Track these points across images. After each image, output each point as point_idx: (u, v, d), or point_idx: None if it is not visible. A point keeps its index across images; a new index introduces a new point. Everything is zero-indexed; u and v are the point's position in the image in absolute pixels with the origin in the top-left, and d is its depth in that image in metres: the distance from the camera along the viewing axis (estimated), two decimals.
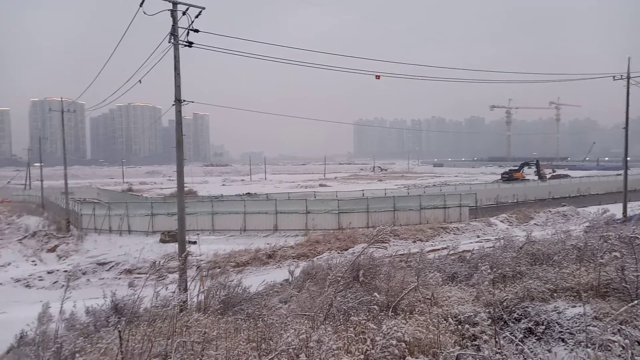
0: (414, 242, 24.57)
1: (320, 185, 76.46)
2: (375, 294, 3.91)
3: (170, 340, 4.20)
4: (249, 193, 53.06)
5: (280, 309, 7.20)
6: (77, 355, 4.19)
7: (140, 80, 13.99)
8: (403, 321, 3.66)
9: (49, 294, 18.62)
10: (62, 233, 31.34)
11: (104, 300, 7.97)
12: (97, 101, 28.14)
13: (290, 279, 12.22)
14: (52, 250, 27.32)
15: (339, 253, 22.02)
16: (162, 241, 26.72)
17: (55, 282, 20.51)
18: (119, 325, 3.80)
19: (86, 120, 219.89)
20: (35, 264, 24.40)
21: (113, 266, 22.28)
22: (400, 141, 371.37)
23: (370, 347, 2.69)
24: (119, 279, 20.75)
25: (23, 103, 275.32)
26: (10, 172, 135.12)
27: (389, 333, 2.82)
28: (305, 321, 4.09)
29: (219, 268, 18.21)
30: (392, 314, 3.88)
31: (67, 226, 32.67)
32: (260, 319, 4.83)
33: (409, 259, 10.25)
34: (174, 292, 8.11)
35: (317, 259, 19.88)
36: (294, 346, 2.98)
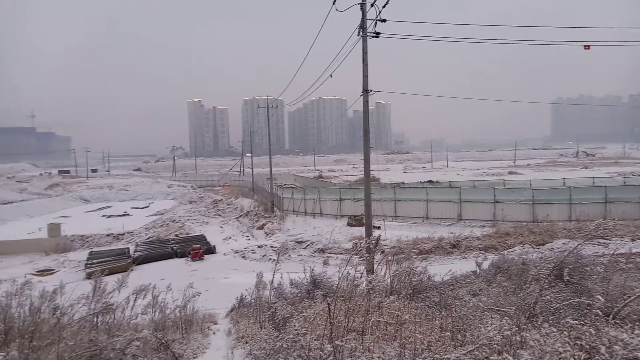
0: (633, 240, 20.42)
1: (510, 172, 70.02)
2: (598, 296, 3.40)
3: (364, 319, 4.47)
4: (430, 180, 52.18)
5: (469, 302, 6.94)
6: (287, 320, 4.85)
7: (331, 75, 15.07)
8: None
9: (260, 265, 21.93)
10: (268, 213, 36.36)
11: (304, 275, 8.94)
12: (293, 97, 31.45)
13: (478, 271, 11.61)
14: (261, 228, 31.94)
15: (533, 248, 19.87)
16: (349, 224, 28.47)
17: (264, 255, 23.98)
18: (327, 299, 4.22)
19: (285, 114, 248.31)
20: (249, 239, 28.95)
21: (308, 245, 24.79)
22: (611, 121, 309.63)
23: (607, 357, 2.35)
24: (314, 256, 22.97)
25: (237, 102, 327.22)
26: (229, 161, 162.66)
27: (631, 344, 2.42)
28: (505, 318, 3.83)
29: (403, 254, 18.54)
30: (613, 321, 3.33)
31: (271, 208, 37.75)
32: (453, 309, 4.74)
33: (629, 260, 8.58)
34: (362, 273, 8.58)
35: (508, 252, 18.34)
36: (497, 342, 2.83)
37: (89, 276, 19.47)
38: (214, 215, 39.75)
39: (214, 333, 7.64)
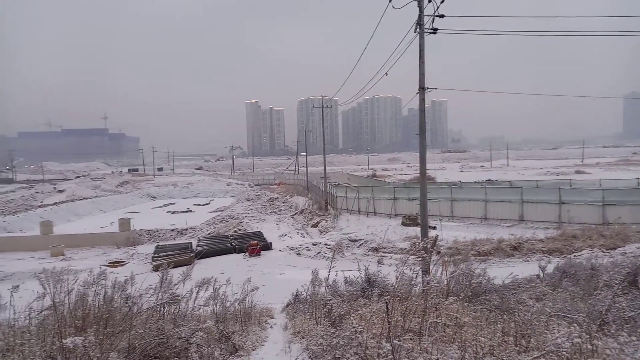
0: None
1: (577, 172, 65.79)
2: None
3: (421, 319, 4.42)
4: (489, 180, 50.33)
5: (532, 306, 6.62)
6: (343, 317, 4.89)
7: (386, 73, 14.91)
8: None
9: (314, 262, 22.19)
10: (322, 212, 36.67)
11: (359, 273, 8.94)
12: (347, 97, 31.53)
13: (541, 275, 11.04)
14: (315, 225, 32.28)
15: (603, 252, 18.54)
16: (404, 224, 28.05)
17: (318, 253, 24.23)
18: (385, 298, 4.22)
19: (339, 114, 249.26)
20: (304, 237, 29.37)
21: (362, 243, 24.73)
22: None
23: None
24: (368, 255, 22.88)
25: (292, 102, 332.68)
26: (284, 160, 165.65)
27: None
28: (574, 325, 3.63)
29: (460, 255, 17.97)
30: None
31: (325, 206, 38.03)
32: (516, 313, 4.55)
33: None
34: (417, 273, 8.45)
35: (575, 256, 17.27)
36: (566, 349, 2.69)
37: (155, 268, 20.70)
38: (270, 212, 40.69)
39: (271, 327, 7.86)
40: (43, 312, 5.55)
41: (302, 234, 30.46)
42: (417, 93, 12.75)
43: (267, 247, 26.24)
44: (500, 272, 11.09)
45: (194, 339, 4.90)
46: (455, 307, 4.96)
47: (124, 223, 32.28)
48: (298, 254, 24.80)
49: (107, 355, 4.52)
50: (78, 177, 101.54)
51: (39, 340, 4.94)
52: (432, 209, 26.69)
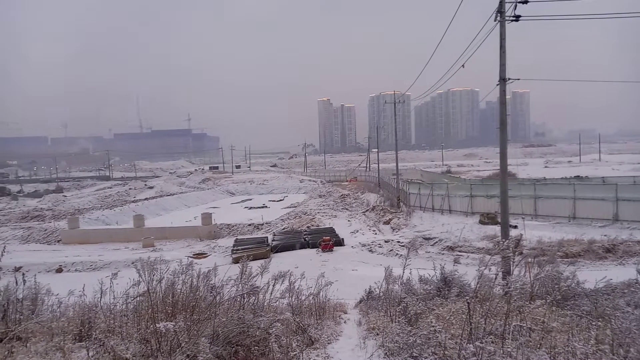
0: None
1: None
2: None
3: (504, 322, 4.22)
4: (578, 176, 46.50)
5: (631, 314, 6.02)
6: (419, 316, 4.81)
7: (463, 65, 14.32)
8: None
9: (386, 259, 21.98)
10: (394, 209, 36.18)
11: (434, 272, 8.72)
12: (420, 91, 30.69)
13: None
14: (387, 222, 31.94)
15: None
16: (481, 222, 26.80)
17: (390, 250, 23.96)
18: (467, 298, 4.10)
19: (411, 109, 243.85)
20: (376, 233, 29.20)
21: (437, 242, 24.04)
22: None
23: None
24: (442, 254, 22.19)
25: (363, 99, 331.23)
26: (355, 157, 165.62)
27: None
28: None
29: (545, 256, 16.79)
30: None
31: (397, 203, 37.47)
32: (611, 320, 4.18)
33: None
34: (497, 274, 8.06)
35: None
36: None
37: (235, 261, 21.79)
38: (342, 209, 40.95)
39: (344, 322, 7.93)
40: (137, 298, 6.09)
41: (373, 230, 30.30)
42: (497, 85, 12.09)
43: (340, 243, 26.46)
44: (591, 275, 10.22)
45: (273, 329, 5.10)
46: (541, 310, 4.67)
47: (206, 217, 34.30)
48: (370, 250, 24.71)
49: (194, 340, 4.86)
50: (170, 173, 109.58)
51: (134, 324, 5.44)
52: (513, 207, 25.14)
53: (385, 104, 48.92)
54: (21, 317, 5.73)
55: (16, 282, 5.91)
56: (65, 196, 64.58)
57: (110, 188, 74.42)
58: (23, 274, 6.14)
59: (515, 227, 23.06)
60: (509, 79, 11.85)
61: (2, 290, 5.62)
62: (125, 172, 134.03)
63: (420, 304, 5.38)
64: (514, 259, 5.93)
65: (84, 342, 4.93)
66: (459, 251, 22.23)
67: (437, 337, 3.34)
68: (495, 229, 23.23)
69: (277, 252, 24.64)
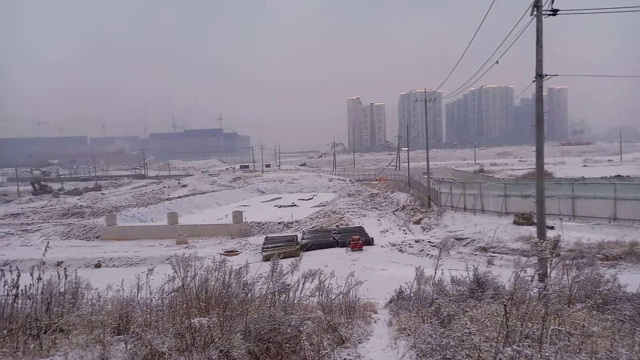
0: None
1: None
2: None
3: (541, 326, 4.09)
4: (619, 175, 44.60)
5: None
6: (452, 317, 4.72)
7: (497, 62, 13.97)
8: None
9: (417, 259, 21.70)
10: (425, 208, 35.68)
11: (467, 273, 8.54)
12: (452, 88, 30.10)
13: None
14: (417, 222, 31.53)
15: None
16: (516, 223, 26.08)
17: (421, 250, 23.64)
18: (503, 300, 4.00)
19: (442, 107, 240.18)
20: (406, 233, 28.87)
21: (469, 242, 23.55)
22: None
23: None
24: (475, 255, 21.72)
25: (393, 97, 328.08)
26: (385, 155, 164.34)
27: None
28: None
29: (584, 258, 16.17)
30: None
31: (428, 202, 36.93)
32: None
33: None
34: (533, 276, 7.83)
35: None
36: None
37: (265, 258, 22.03)
38: (371, 208, 40.73)
39: (375, 322, 7.88)
40: (172, 294, 6.26)
41: (404, 230, 29.98)
42: (533, 81, 11.71)
43: (369, 242, 26.32)
44: (633, 279, 9.79)
45: (304, 327, 5.12)
46: (580, 314, 4.50)
47: (237, 215, 34.85)
48: (400, 250, 24.46)
49: (227, 335, 4.95)
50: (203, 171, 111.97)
51: (170, 319, 5.59)
52: (549, 207, 24.32)
53: (416, 102, 48.27)
54: (63, 310, 6.00)
55: (58, 277, 6.18)
56: (104, 194, 67.08)
57: (146, 186, 76.73)
58: (65, 269, 6.41)
59: (552, 227, 22.33)
60: (546, 75, 11.45)
61: (46, 284, 5.89)
62: (160, 170, 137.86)
63: (453, 305, 5.29)
64: (551, 260, 5.73)
65: (122, 335, 5.11)
66: (492, 252, 21.70)
67: (472, 339, 3.27)
68: (531, 230, 22.55)
69: (306, 250, 24.75)
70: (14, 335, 4.87)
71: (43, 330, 5.14)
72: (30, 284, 5.60)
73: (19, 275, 5.48)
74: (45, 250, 6.48)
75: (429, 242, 24.74)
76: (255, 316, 5.53)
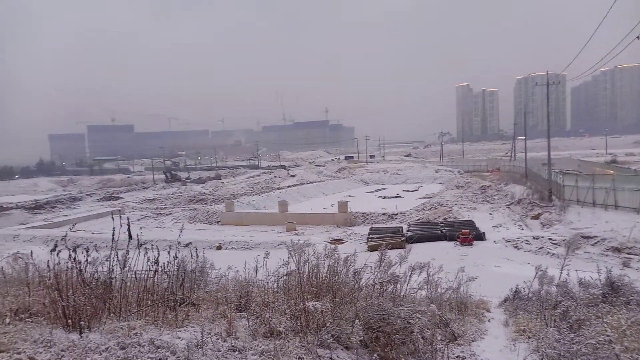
0: None
1: None
2: None
3: None
4: None
5: None
6: (583, 323, 4.28)
7: (638, 36, 12.12)
8: None
9: (535, 257, 19.97)
10: (544, 202, 32.61)
11: (598, 275, 7.67)
12: (578, 70, 26.82)
13: None
14: (536, 217, 28.97)
15: None
16: None
17: (540, 248, 21.69)
18: None
19: (567, 91, 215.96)
20: (522, 229, 26.72)
21: (598, 241, 20.99)
22: None
23: None
24: (606, 255, 19.34)
25: (508, 83, 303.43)
26: (498, 145, 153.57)
27: None
28: None
29: None
30: None
31: (549, 196, 33.70)
32: None
33: None
34: None
35: None
36: None
37: (370, 249, 22.18)
38: (482, 201, 38.44)
39: (488, 320, 7.49)
40: (285, 277, 6.63)
41: (519, 225, 27.79)
42: None
43: (480, 237, 24.92)
44: None
45: (414, 320, 5.08)
46: None
47: (343, 205, 35.53)
48: (516, 247, 22.75)
49: (338, 321, 5.12)
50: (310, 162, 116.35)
51: (285, 301, 5.94)
52: None
53: (535, 87, 44.10)
54: (194, 285, 6.74)
55: (191, 256, 6.94)
56: (223, 182, 73.35)
57: (259, 176, 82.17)
58: (196, 249, 7.18)
59: None
60: None
61: (180, 262, 6.66)
62: (271, 161, 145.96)
63: (583, 310, 4.79)
64: None
65: (244, 313, 5.57)
66: (628, 253, 19.11)
67: (613, 347, 2.94)
68: None
69: (412, 242, 24.31)
70: (155, 306, 5.61)
71: (178, 303, 5.83)
72: (167, 262, 6.38)
73: (159, 254, 6.28)
74: (181, 233, 7.31)
75: (550, 239, 22.59)
76: (364, 305, 5.62)
